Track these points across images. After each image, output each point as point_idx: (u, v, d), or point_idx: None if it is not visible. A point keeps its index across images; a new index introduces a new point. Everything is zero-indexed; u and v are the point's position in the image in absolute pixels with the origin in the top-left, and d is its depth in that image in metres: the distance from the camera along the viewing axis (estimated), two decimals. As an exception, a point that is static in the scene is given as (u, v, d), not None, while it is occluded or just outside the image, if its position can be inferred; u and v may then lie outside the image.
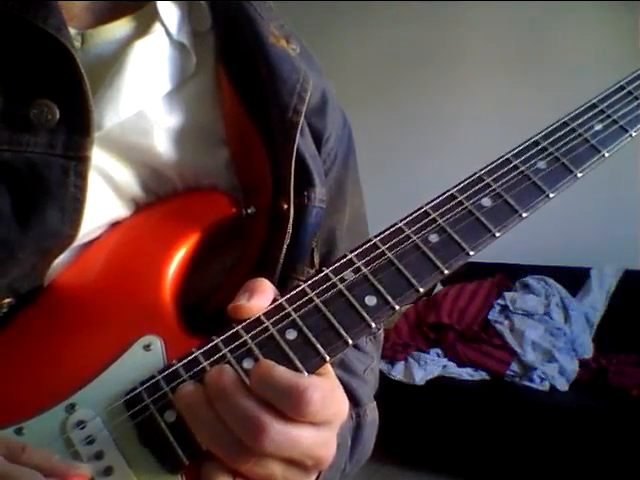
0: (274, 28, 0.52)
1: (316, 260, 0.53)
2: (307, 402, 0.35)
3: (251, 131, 0.51)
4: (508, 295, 2.52)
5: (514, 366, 2.27)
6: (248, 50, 0.51)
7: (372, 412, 0.58)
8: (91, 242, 0.49)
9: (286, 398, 0.36)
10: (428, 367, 2.34)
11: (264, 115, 0.51)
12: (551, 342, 2.31)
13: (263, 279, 0.43)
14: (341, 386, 0.41)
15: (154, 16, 0.49)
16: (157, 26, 0.49)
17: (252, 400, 0.36)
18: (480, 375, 2.32)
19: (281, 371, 0.37)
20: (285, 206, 0.49)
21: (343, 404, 0.39)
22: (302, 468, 0.38)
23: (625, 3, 2.56)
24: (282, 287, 0.50)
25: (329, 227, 0.55)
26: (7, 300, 0.45)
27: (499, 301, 2.52)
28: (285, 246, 0.49)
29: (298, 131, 0.49)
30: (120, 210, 0.49)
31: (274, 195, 0.50)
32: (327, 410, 0.37)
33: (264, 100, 0.50)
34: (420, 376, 2.31)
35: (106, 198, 0.48)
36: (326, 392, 0.37)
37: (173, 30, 0.50)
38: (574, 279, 2.56)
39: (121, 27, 0.49)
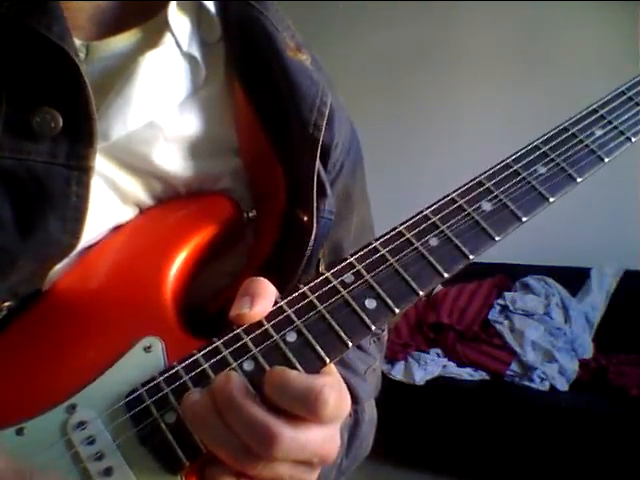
0: (289, 39, 0.52)
1: (322, 270, 0.53)
2: (324, 404, 0.35)
3: (263, 140, 0.51)
4: (508, 295, 2.52)
5: (514, 366, 2.27)
6: (264, 62, 0.50)
7: (370, 409, 0.58)
8: (93, 245, 0.49)
9: (303, 402, 0.36)
10: (428, 367, 2.34)
11: (280, 127, 0.50)
12: (551, 342, 2.31)
13: (263, 280, 0.42)
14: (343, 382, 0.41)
15: (164, 28, 0.49)
16: (167, 38, 0.49)
17: (261, 408, 0.36)
18: (480, 375, 2.31)
19: (295, 376, 0.37)
20: (305, 218, 0.49)
21: (348, 400, 0.39)
22: (309, 466, 0.38)
23: (625, 3, 2.56)
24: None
25: (336, 236, 0.55)
26: (7, 303, 0.45)
27: (499, 301, 2.52)
28: (305, 258, 0.50)
29: (319, 146, 0.49)
30: (125, 218, 0.50)
31: (290, 204, 0.50)
32: (339, 409, 0.37)
33: (282, 113, 0.50)
34: (420, 376, 2.30)
35: (112, 206, 0.49)
36: (339, 391, 0.37)
37: (184, 42, 0.49)
38: (574, 279, 2.56)
39: (128, 39, 0.49)
